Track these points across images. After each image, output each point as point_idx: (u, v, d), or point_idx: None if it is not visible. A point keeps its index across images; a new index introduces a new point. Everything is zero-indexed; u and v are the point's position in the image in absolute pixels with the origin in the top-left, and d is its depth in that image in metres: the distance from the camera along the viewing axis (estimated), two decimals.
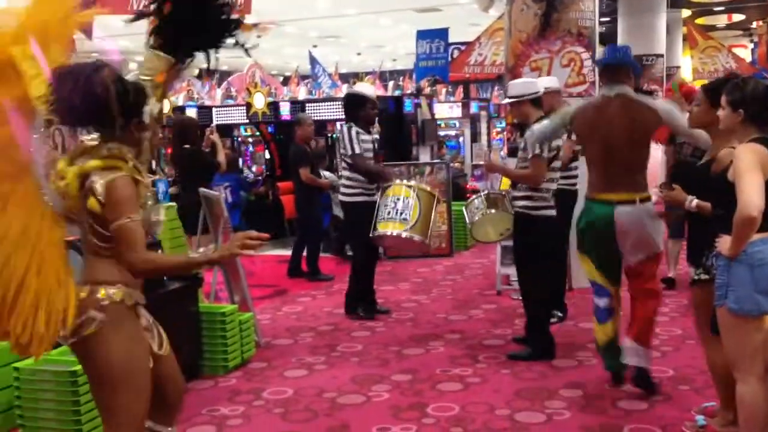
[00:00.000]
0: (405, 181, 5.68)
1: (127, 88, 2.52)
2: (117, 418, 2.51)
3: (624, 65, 4.08)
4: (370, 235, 5.46)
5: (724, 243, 2.92)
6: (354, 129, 5.79)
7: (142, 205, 2.57)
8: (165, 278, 4.57)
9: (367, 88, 6.44)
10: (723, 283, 2.96)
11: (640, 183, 4.01)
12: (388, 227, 5.33)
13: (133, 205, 2.47)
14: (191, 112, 10.02)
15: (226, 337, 4.72)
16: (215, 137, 6.61)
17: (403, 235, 5.32)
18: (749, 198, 2.73)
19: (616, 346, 4.15)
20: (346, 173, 5.92)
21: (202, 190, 5.86)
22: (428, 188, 5.70)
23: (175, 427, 2.84)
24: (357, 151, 5.74)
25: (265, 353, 5.14)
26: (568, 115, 4.25)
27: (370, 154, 5.91)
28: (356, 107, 5.92)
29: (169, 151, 7.72)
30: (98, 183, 2.43)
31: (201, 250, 2.44)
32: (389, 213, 5.33)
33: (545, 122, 4.41)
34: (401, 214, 5.31)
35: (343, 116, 8.05)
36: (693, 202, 3.35)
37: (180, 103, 10.88)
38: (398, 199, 5.34)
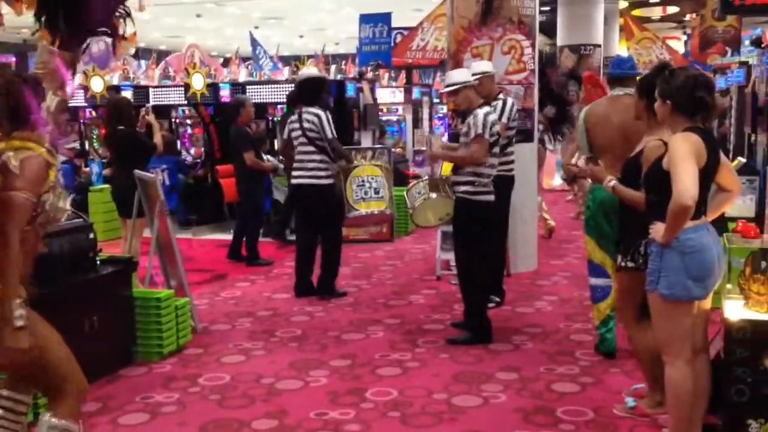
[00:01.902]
0: (371, 161, 5.98)
1: (22, 87, 2.63)
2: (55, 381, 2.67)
3: (631, 76, 4.30)
4: (348, 215, 5.70)
5: (657, 230, 3.00)
6: (327, 114, 5.94)
7: (50, 189, 2.64)
8: (97, 261, 4.45)
9: (317, 72, 6.53)
10: (655, 269, 3.03)
11: None
12: (371, 206, 5.74)
13: (36, 185, 2.56)
14: (127, 92, 9.74)
15: (161, 322, 4.62)
16: (151, 118, 6.44)
17: (387, 211, 5.90)
18: (684, 187, 2.80)
19: (609, 326, 4.46)
20: (317, 156, 5.91)
21: (138, 172, 5.70)
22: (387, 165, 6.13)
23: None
24: (335, 135, 5.95)
25: (202, 339, 5.06)
26: (582, 119, 4.36)
27: None
28: (319, 90, 6.06)
29: (103, 132, 7.48)
30: (13, 158, 2.50)
31: (18, 313, 2.47)
32: (366, 192, 5.70)
33: (579, 139, 4.43)
34: (378, 192, 5.76)
35: (285, 99, 8.01)
36: (611, 182, 3.44)
37: (115, 82, 10.56)
38: (373, 179, 5.71)
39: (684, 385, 3.06)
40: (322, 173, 5.93)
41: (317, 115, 5.87)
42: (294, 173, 6.08)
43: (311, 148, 5.92)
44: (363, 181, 5.75)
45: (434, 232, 6.98)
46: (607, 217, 4.10)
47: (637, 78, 3.81)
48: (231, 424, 3.71)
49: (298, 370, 4.45)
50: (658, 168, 3.04)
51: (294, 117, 6.08)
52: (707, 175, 2.98)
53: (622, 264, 3.55)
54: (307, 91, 6.08)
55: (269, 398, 4.03)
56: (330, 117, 5.96)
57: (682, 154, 2.87)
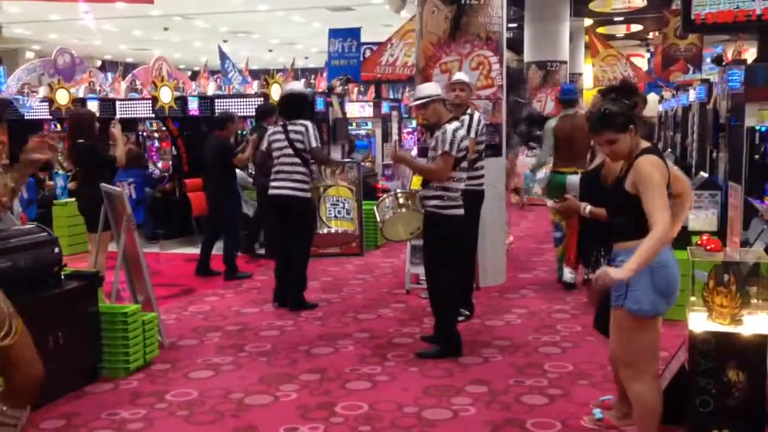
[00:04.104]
0: (345, 183, 6.14)
1: None
2: None
3: (576, 100, 7.11)
4: (318, 230, 5.82)
5: (613, 271, 2.89)
6: (314, 126, 6.08)
7: None
8: (62, 276, 4.38)
9: (301, 86, 6.59)
10: (622, 284, 3.00)
11: (582, 164, 6.29)
12: (342, 225, 5.94)
13: None
14: (93, 105, 9.62)
15: (128, 338, 4.56)
16: (116, 130, 6.26)
17: (353, 232, 6.23)
18: (666, 224, 2.83)
19: (563, 263, 6.67)
20: (302, 168, 5.98)
21: (104, 185, 5.62)
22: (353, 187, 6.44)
23: (26, 411, 2.85)
24: (320, 145, 6.11)
25: (169, 354, 5.00)
26: (551, 128, 6.80)
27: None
28: (303, 106, 6.19)
29: (66, 145, 7.38)
30: None
31: None
32: (339, 212, 5.87)
33: (547, 141, 6.86)
34: (349, 213, 6.16)
35: (254, 113, 7.98)
36: (587, 209, 3.51)
37: (81, 95, 10.43)
38: (345, 200, 5.88)
39: (651, 399, 3.09)
40: (306, 186, 6.01)
41: (304, 125, 5.98)
42: (274, 184, 6.06)
43: (297, 160, 5.95)
44: (337, 200, 5.90)
45: (404, 246, 7.00)
46: (555, 195, 5.78)
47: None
48: None
49: (267, 384, 4.41)
50: (621, 188, 3.04)
51: (277, 128, 6.11)
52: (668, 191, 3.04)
53: (586, 277, 3.63)
54: (291, 106, 6.14)
55: (238, 414, 3.99)
56: (314, 127, 6.07)
57: (656, 184, 2.88)
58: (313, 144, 5.99)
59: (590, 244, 3.55)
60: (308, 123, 6.03)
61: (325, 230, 5.80)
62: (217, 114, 7.87)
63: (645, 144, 3.06)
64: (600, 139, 3.08)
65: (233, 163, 7.20)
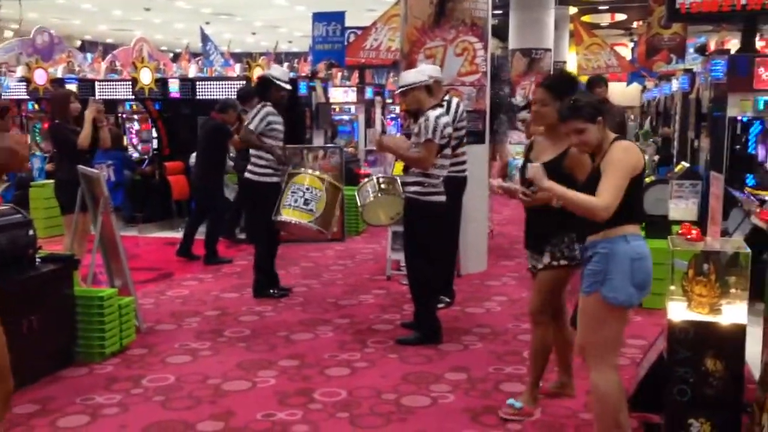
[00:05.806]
0: (317, 173, 5.82)
1: None
2: None
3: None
4: (272, 217, 5.53)
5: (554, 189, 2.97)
6: (266, 108, 5.85)
7: None
8: (38, 259, 4.31)
9: (278, 71, 6.40)
10: (600, 271, 2.99)
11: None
12: (294, 215, 5.55)
13: None
14: (71, 86, 9.46)
15: (104, 322, 4.50)
16: (88, 111, 5.99)
17: (309, 226, 5.54)
18: (611, 202, 2.83)
19: None
20: (255, 151, 5.90)
21: (81, 167, 5.52)
22: (337, 182, 5.91)
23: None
24: (251, 127, 5.80)
25: (146, 339, 4.94)
26: None
27: (281, 135, 5.95)
28: (265, 88, 5.99)
29: (45, 126, 7.23)
30: None
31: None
32: (296, 201, 5.59)
33: None
34: (308, 204, 5.53)
35: (236, 97, 7.92)
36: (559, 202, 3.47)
37: (59, 75, 10.26)
38: (307, 189, 5.59)
39: (610, 391, 3.04)
40: (263, 170, 5.84)
41: (256, 108, 5.91)
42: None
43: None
44: (297, 189, 5.60)
45: (385, 231, 6.97)
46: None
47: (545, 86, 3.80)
48: (175, 426, 3.62)
49: (245, 370, 4.38)
50: (596, 179, 2.98)
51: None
52: (641, 181, 3.01)
53: (554, 263, 3.55)
54: (259, 89, 6.12)
55: (215, 399, 3.96)
56: (265, 112, 5.83)
57: (624, 168, 2.89)
58: (251, 125, 5.82)
59: (561, 233, 3.50)
60: (260, 105, 5.88)
61: (279, 218, 5.57)
62: (219, 100, 7.80)
63: (614, 136, 3.04)
64: (568, 128, 3.07)
65: (227, 145, 7.19)
